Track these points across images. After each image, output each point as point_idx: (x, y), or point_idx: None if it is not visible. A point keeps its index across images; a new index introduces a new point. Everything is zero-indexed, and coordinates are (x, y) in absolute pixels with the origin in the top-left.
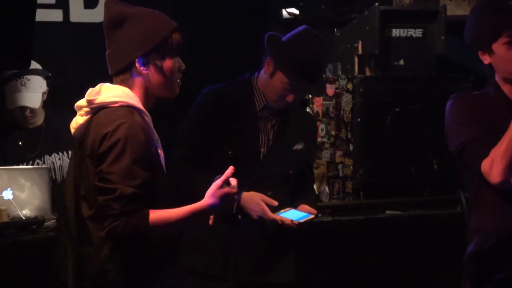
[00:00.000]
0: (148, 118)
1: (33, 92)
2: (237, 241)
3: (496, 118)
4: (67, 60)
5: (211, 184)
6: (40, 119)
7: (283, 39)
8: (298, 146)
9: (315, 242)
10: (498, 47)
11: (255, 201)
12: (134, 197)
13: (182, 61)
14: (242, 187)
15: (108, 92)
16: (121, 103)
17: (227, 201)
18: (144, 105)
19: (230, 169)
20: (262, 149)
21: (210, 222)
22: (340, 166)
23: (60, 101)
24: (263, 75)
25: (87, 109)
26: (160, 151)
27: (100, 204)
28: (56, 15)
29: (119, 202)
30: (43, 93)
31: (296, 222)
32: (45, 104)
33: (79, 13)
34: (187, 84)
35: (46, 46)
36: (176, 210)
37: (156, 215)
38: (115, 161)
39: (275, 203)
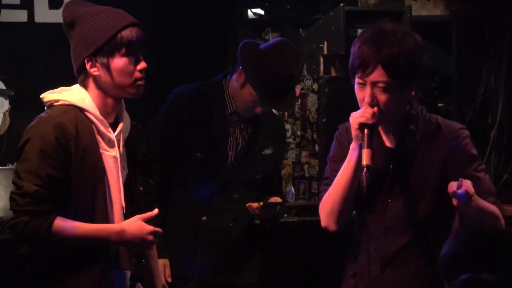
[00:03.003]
0: (95, 117)
1: None
2: (203, 242)
3: None
4: (32, 61)
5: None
6: (2, 130)
7: (260, 48)
8: (267, 151)
9: (281, 242)
10: (354, 82)
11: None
12: (38, 196)
13: (143, 59)
14: (209, 190)
15: (63, 91)
16: (62, 101)
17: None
18: (101, 105)
19: (155, 211)
20: (230, 153)
21: None
22: (305, 167)
23: (24, 102)
24: (234, 82)
25: (45, 106)
26: (108, 152)
27: (10, 196)
28: (20, 16)
29: (24, 199)
30: (5, 111)
31: (262, 203)
32: (5, 121)
33: (44, 14)
34: (153, 84)
35: (11, 46)
36: (86, 224)
37: (62, 223)
38: (23, 158)
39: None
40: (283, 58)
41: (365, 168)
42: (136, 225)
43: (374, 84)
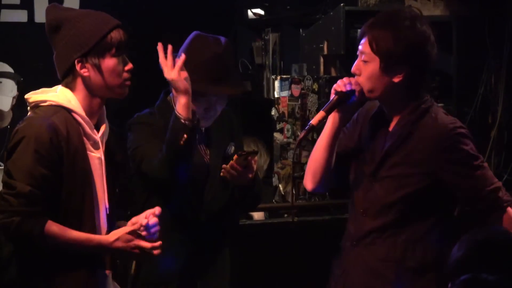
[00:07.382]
0: (82, 119)
1: (4, 95)
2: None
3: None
4: (32, 61)
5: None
6: (6, 122)
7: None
8: (231, 149)
9: (280, 242)
10: None
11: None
12: (32, 196)
13: (128, 59)
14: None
15: (45, 92)
16: (50, 102)
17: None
18: (87, 106)
19: (153, 220)
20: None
21: None
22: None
23: (24, 102)
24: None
25: (28, 107)
26: (94, 153)
27: (0, 196)
28: (21, 16)
29: (18, 200)
30: (13, 97)
31: (236, 156)
32: (13, 106)
33: (44, 14)
34: (150, 86)
35: (11, 46)
36: (76, 232)
37: (55, 227)
38: (16, 158)
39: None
40: (202, 45)
41: (308, 126)
42: (124, 238)
43: (361, 54)
